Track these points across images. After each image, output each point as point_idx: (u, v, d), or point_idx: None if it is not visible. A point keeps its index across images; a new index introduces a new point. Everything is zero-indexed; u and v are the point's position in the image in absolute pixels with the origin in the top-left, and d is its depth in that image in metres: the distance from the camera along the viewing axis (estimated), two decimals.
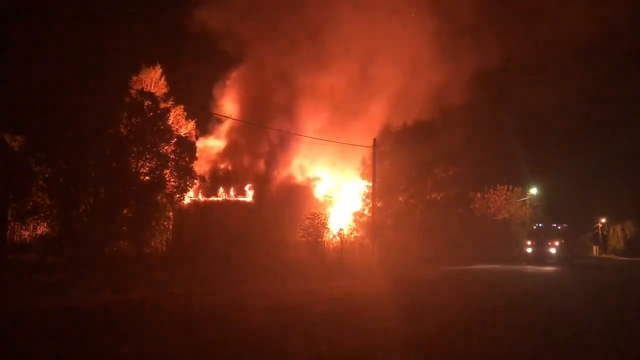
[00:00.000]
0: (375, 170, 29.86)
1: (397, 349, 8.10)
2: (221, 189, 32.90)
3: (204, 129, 33.86)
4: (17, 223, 19.15)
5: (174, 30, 36.40)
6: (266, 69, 35.62)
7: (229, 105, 36.60)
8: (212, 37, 35.88)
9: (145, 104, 19.84)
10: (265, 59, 35.87)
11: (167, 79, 28.58)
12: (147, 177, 19.71)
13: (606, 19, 43.59)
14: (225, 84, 37.10)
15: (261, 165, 34.55)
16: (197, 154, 25.32)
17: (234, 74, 36.87)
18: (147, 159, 19.72)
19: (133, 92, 20.68)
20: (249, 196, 32.84)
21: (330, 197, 33.18)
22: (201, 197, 31.16)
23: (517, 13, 43.54)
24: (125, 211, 19.60)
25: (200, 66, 37.27)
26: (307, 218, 26.66)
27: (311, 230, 26.31)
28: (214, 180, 32.40)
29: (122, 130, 19.46)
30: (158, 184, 19.92)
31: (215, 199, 31.81)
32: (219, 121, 35.77)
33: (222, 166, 34.57)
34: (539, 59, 50.14)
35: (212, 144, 36.13)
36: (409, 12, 38.15)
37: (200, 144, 31.95)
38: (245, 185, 33.29)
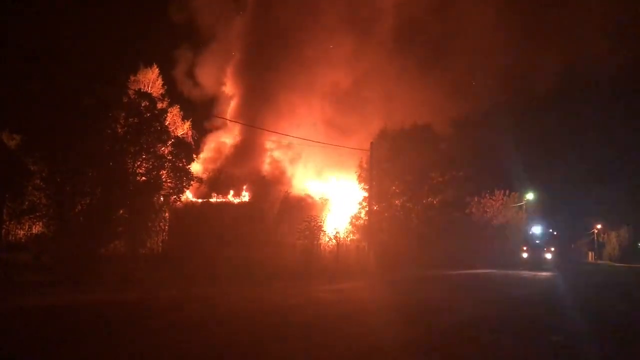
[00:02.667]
0: (372, 173, 29.89)
1: (392, 352, 8.10)
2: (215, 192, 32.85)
3: (201, 130, 33.91)
4: (12, 222, 19.09)
5: (172, 32, 36.41)
6: (264, 69, 35.59)
7: (226, 107, 36.68)
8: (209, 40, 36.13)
9: (143, 104, 19.80)
10: (263, 60, 35.86)
11: (164, 79, 28.71)
12: (143, 178, 19.66)
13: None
14: (222, 86, 37.20)
15: (258, 167, 34.53)
16: (194, 155, 25.28)
17: (231, 74, 36.93)
18: (143, 159, 19.68)
19: (130, 92, 20.65)
20: (245, 198, 32.79)
21: (327, 199, 33.13)
22: (197, 199, 31.09)
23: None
24: (121, 211, 19.55)
25: (197, 68, 37.26)
26: (303, 221, 26.64)
27: (307, 232, 26.28)
28: (211, 182, 32.37)
29: (119, 130, 19.41)
30: (154, 184, 19.86)
31: (212, 200, 31.75)
32: (217, 123, 35.79)
33: (219, 168, 34.55)
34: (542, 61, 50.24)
35: (210, 146, 36.17)
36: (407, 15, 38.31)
37: (197, 144, 31.98)
38: (242, 187, 33.24)
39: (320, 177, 36.08)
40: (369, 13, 38.09)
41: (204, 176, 27.71)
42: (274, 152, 35.34)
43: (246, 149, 34.67)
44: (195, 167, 32.79)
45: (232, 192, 32.66)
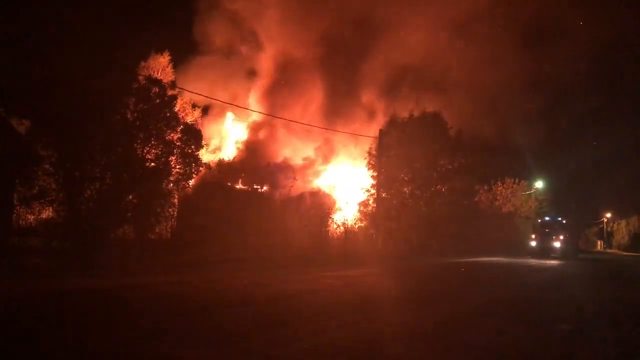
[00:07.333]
0: (380, 160, 29.83)
1: (395, 338, 8.11)
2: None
3: (210, 118, 33.87)
4: (22, 207, 19.22)
5: (188, 19, 36.19)
6: (274, 58, 35.49)
7: (236, 94, 36.58)
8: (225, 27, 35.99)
9: (152, 91, 19.83)
10: (273, 48, 35.75)
11: (175, 66, 28.66)
12: (152, 164, 19.73)
13: None
14: (234, 73, 37.08)
15: (267, 154, 34.49)
16: (203, 142, 25.25)
17: (243, 63, 36.83)
18: (152, 145, 19.73)
19: (140, 78, 20.66)
20: (254, 185, 32.80)
21: (335, 186, 33.12)
22: (207, 185, 31.09)
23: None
24: (130, 197, 19.65)
25: (209, 54, 37.12)
26: (311, 207, 26.69)
27: (315, 219, 26.33)
28: (221, 169, 32.40)
29: (129, 116, 19.46)
30: (163, 170, 19.94)
31: (228, 185, 31.73)
32: (225, 110, 35.71)
33: (229, 155, 34.58)
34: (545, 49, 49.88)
35: (217, 133, 36.18)
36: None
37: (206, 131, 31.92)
38: (251, 174, 33.22)
39: (329, 163, 36.03)
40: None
41: (213, 164, 27.71)
42: (283, 140, 35.29)
43: (256, 136, 34.67)
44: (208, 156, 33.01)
45: (242, 179, 32.66)
